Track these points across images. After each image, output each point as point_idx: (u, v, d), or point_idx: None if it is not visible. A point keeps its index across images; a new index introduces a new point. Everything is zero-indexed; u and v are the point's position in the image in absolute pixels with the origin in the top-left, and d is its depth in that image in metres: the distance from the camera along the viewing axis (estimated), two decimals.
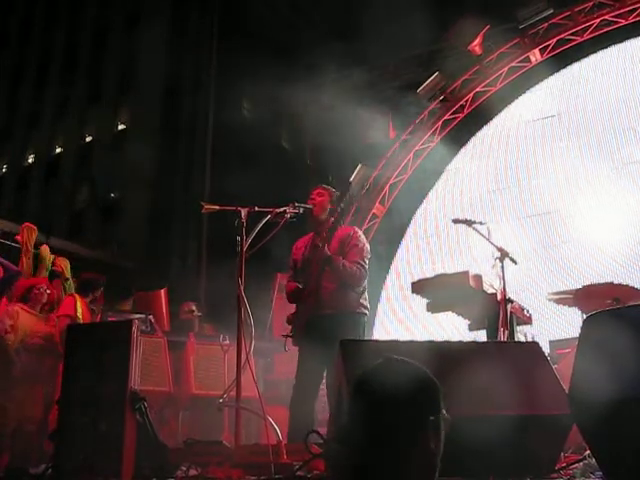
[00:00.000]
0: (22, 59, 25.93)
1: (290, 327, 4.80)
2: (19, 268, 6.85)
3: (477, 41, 11.54)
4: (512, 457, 2.79)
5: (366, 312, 4.76)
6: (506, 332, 5.10)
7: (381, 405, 1.78)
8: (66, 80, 23.49)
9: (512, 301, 5.38)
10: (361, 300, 4.73)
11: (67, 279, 7.37)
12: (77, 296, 6.79)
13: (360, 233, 4.90)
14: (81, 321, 6.53)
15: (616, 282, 7.10)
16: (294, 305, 4.88)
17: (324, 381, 4.75)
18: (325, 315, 4.58)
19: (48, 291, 6.61)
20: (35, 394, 6.17)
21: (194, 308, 7.97)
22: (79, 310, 6.51)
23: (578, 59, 11.50)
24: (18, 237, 7.55)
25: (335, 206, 4.81)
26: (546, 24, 11.42)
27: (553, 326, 9.10)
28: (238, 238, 4.27)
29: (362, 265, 4.68)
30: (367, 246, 4.85)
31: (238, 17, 19.13)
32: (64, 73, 23.83)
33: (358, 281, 4.69)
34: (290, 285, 4.87)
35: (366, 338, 4.98)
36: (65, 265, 7.73)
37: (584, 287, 6.38)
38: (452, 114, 12.49)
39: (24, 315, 6.31)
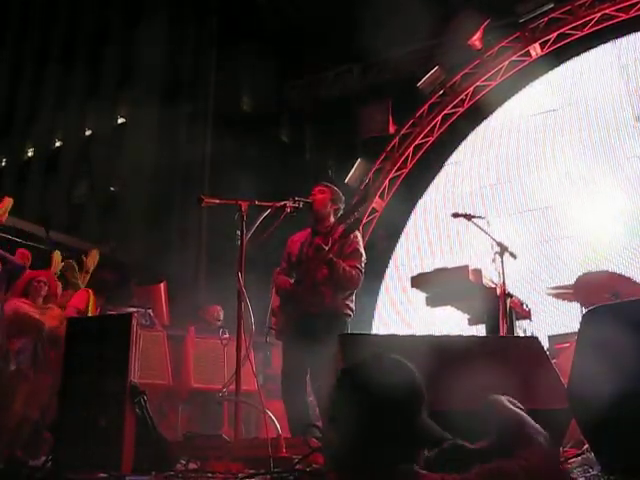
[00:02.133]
0: (21, 52, 25.86)
1: (274, 319, 4.82)
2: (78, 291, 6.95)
3: (477, 35, 11.52)
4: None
5: (350, 314, 4.81)
6: (505, 327, 5.11)
7: (363, 401, 1.83)
8: (65, 74, 23.42)
9: (511, 295, 5.39)
10: (347, 302, 4.79)
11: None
12: (91, 292, 6.79)
13: (360, 238, 4.92)
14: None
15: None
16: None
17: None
18: (315, 314, 4.61)
19: (47, 283, 6.60)
20: (40, 385, 6.19)
21: (221, 317, 7.89)
22: (90, 306, 6.51)
23: (579, 53, 11.47)
24: (86, 260, 7.76)
25: (337, 206, 4.87)
26: (546, 18, 11.39)
27: (552, 321, 9.10)
28: (238, 232, 4.27)
29: (360, 270, 4.73)
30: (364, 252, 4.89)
31: (238, 12, 19.08)
32: (63, 66, 23.76)
33: (355, 285, 4.74)
34: (282, 279, 4.88)
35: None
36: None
37: (582, 275, 6.37)
38: (452, 108, 12.47)
39: (25, 309, 6.31)
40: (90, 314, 6.36)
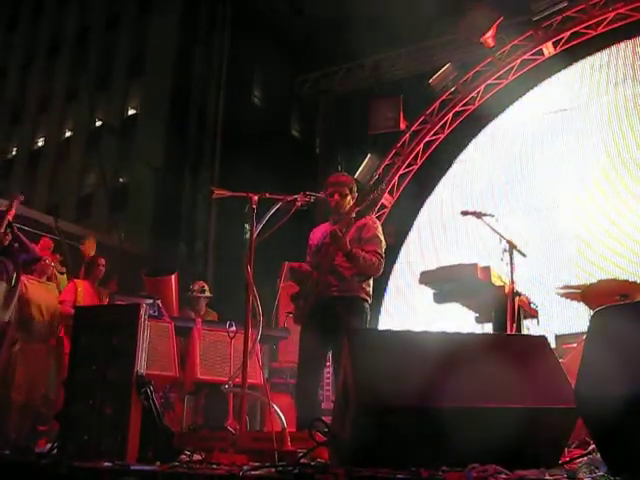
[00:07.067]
0: (33, 43, 25.92)
1: (293, 305, 4.83)
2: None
3: (490, 33, 11.44)
4: (516, 450, 2.78)
5: (368, 299, 4.77)
6: (513, 325, 5.09)
7: None
8: (77, 64, 23.47)
9: (520, 294, 5.37)
10: (363, 285, 4.75)
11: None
12: (78, 282, 6.84)
13: (378, 224, 4.91)
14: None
15: (624, 278, 7.08)
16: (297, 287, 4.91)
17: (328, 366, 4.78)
18: (333, 297, 4.60)
19: (53, 264, 6.70)
20: (43, 371, 6.25)
21: (206, 287, 7.86)
22: (80, 296, 6.57)
23: (592, 53, 11.41)
24: (84, 248, 7.84)
25: (354, 195, 4.85)
26: (560, 17, 11.33)
27: (560, 320, 9.07)
28: (246, 226, 4.27)
29: (381, 255, 4.71)
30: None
31: (250, 4, 19.07)
32: (75, 57, 23.81)
33: (376, 272, 4.73)
34: (299, 263, 4.90)
35: (370, 326, 4.99)
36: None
37: (592, 284, 6.34)
38: (463, 106, 12.44)
39: (33, 286, 6.36)
40: (82, 303, 6.39)
